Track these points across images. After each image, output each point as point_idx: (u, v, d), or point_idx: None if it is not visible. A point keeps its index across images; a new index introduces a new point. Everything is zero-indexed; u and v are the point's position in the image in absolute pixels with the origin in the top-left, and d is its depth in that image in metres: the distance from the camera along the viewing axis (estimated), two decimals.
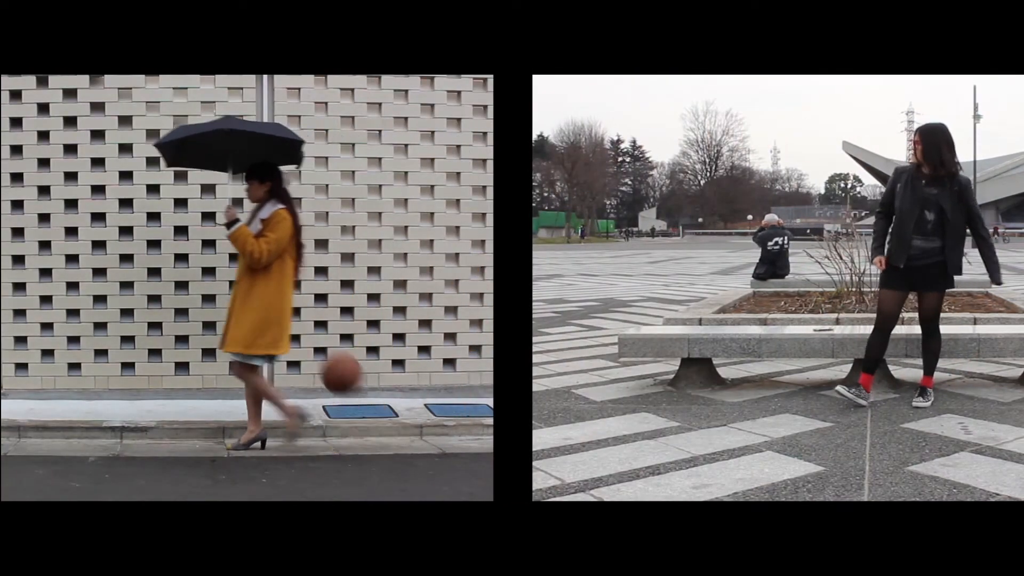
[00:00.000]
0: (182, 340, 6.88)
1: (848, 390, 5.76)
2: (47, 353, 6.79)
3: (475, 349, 7.22)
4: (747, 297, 10.93)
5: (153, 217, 6.87)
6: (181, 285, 6.86)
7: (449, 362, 7.22)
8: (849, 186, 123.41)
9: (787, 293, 10.97)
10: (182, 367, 6.87)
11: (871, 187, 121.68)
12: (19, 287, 6.76)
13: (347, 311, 7.10)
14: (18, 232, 6.76)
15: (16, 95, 6.70)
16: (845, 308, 9.13)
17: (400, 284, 7.15)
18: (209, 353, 6.89)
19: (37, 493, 4.77)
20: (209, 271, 6.91)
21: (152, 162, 6.75)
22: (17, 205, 6.76)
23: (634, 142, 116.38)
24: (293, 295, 5.88)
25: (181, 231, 6.89)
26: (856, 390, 5.77)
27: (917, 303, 6.02)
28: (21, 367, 6.76)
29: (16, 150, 6.74)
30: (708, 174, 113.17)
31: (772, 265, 12.90)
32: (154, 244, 6.87)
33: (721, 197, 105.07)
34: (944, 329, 6.11)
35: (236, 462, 5.55)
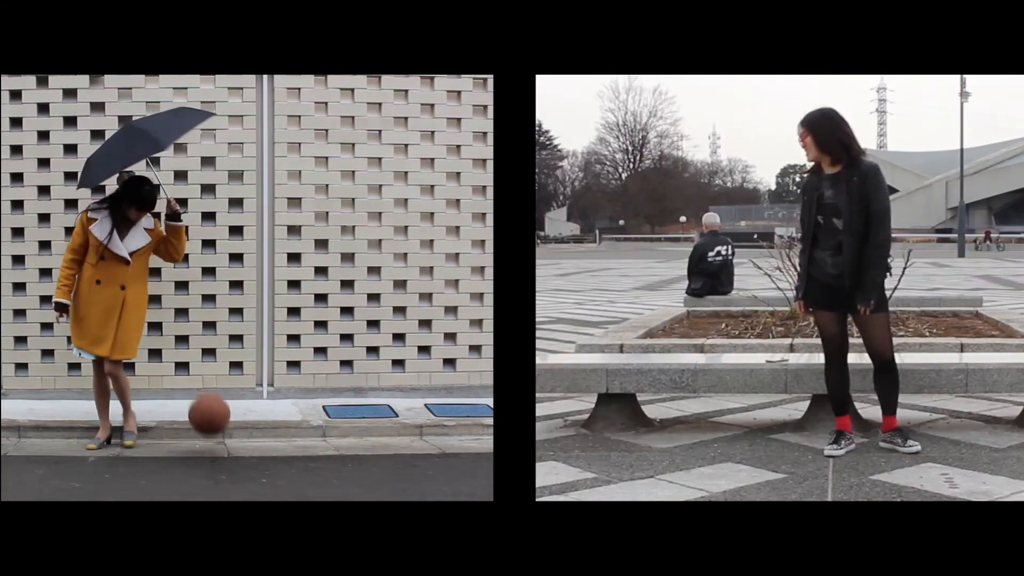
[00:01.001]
0: (182, 340, 6.88)
1: (838, 448, 4.79)
2: (47, 353, 6.78)
3: (475, 349, 7.21)
4: (680, 318, 9.18)
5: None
6: (181, 285, 6.86)
7: (449, 362, 7.22)
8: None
9: (729, 313, 9.26)
10: (182, 367, 6.88)
11: None
12: (19, 287, 6.75)
13: (347, 311, 7.10)
14: (18, 232, 6.75)
15: (16, 95, 6.69)
16: (801, 332, 7.49)
17: (400, 284, 7.15)
18: (209, 353, 6.90)
19: (38, 493, 4.78)
20: (209, 271, 6.92)
21: (152, 162, 6.75)
22: (17, 205, 6.75)
23: (539, 126, 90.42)
24: None
25: None
26: (844, 440, 4.84)
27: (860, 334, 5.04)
28: (21, 367, 6.75)
29: (16, 150, 6.73)
30: (631, 165, 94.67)
31: (712, 279, 10.49)
32: None
33: (647, 194, 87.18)
34: (922, 358, 5.45)
35: (236, 462, 5.56)
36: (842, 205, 4.76)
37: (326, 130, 7.01)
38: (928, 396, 5.81)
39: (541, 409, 6.04)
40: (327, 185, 7.05)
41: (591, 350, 6.89)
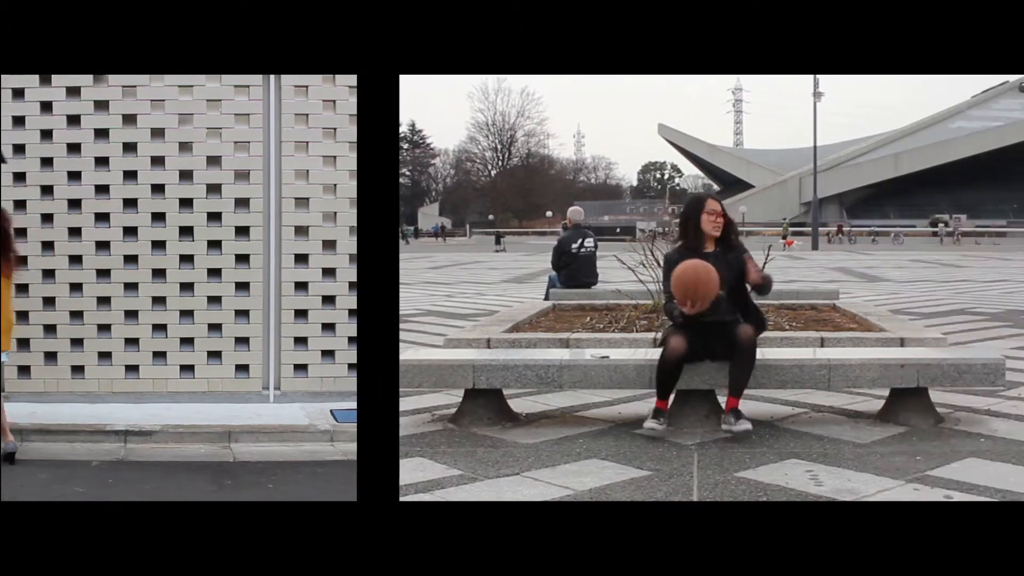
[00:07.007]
0: (187, 342, 6.78)
1: (658, 423, 4.97)
2: (50, 356, 6.69)
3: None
4: (545, 311, 8.92)
5: (158, 217, 6.76)
6: (186, 287, 6.77)
7: None
8: (667, 176, 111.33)
9: (594, 307, 8.99)
10: (187, 370, 6.78)
11: (692, 177, 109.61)
12: (21, 288, 6.65)
13: (356, 313, 6.94)
14: (21, 233, 6.61)
15: (19, 93, 6.59)
16: (664, 325, 6.67)
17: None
18: (215, 355, 6.81)
19: (40, 497, 4.68)
20: (215, 272, 6.82)
21: (157, 161, 6.68)
22: (20, 205, 6.66)
23: (412, 125, 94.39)
24: None
25: (186, 231, 6.79)
26: (663, 417, 5.01)
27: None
28: (23, 370, 6.66)
29: (19, 149, 6.63)
30: (500, 163, 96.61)
31: (578, 272, 10.62)
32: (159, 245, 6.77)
33: (515, 190, 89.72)
34: (784, 353, 5.48)
35: (242, 467, 5.46)
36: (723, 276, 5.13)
37: (334, 128, 6.88)
38: (791, 391, 5.85)
39: (409, 403, 5.90)
40: (335, 185, 6.94)
41: (458, 345, 6.64)
